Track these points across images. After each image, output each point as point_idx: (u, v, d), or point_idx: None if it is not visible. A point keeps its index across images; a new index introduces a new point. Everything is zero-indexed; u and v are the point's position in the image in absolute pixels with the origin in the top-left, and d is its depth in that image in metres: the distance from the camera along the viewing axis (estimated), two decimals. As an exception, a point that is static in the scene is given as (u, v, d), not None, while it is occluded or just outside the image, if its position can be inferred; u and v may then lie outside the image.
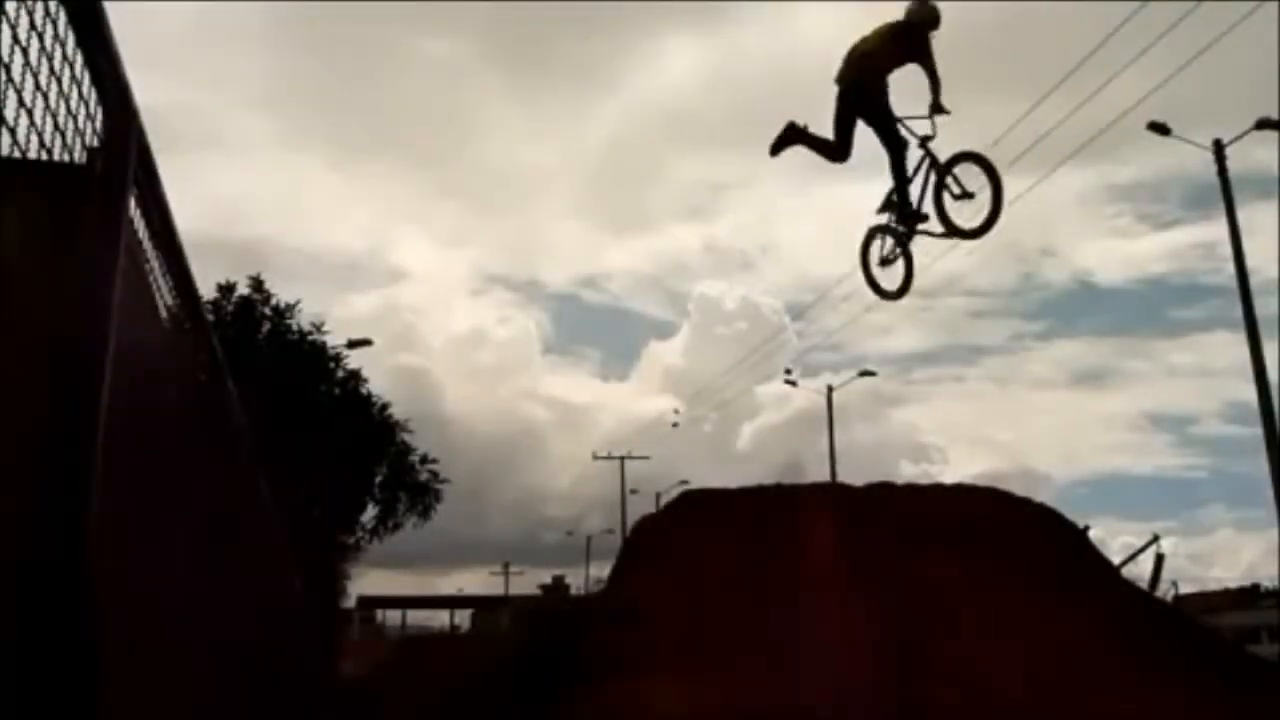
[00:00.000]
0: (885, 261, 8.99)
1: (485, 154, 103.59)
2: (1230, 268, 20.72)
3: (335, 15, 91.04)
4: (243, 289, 17.89)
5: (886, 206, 8.87)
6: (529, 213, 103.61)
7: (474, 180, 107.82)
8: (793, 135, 8.97)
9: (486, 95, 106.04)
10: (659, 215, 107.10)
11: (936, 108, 8.51)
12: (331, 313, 54.13)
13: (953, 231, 8.48)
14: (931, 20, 8.48)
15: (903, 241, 8.84)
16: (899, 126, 8.55)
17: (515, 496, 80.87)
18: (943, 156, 8.46)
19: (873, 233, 9.03)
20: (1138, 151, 54.46)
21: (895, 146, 8.56)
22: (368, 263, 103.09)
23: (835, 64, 8.64)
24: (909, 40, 8.48)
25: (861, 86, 8.49)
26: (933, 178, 8.49)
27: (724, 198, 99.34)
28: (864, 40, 8.61)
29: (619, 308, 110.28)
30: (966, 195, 8.36)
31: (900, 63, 8.56)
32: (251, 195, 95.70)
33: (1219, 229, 22.05)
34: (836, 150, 8.71)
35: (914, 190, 8.62)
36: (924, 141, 8.57)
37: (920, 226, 8.67)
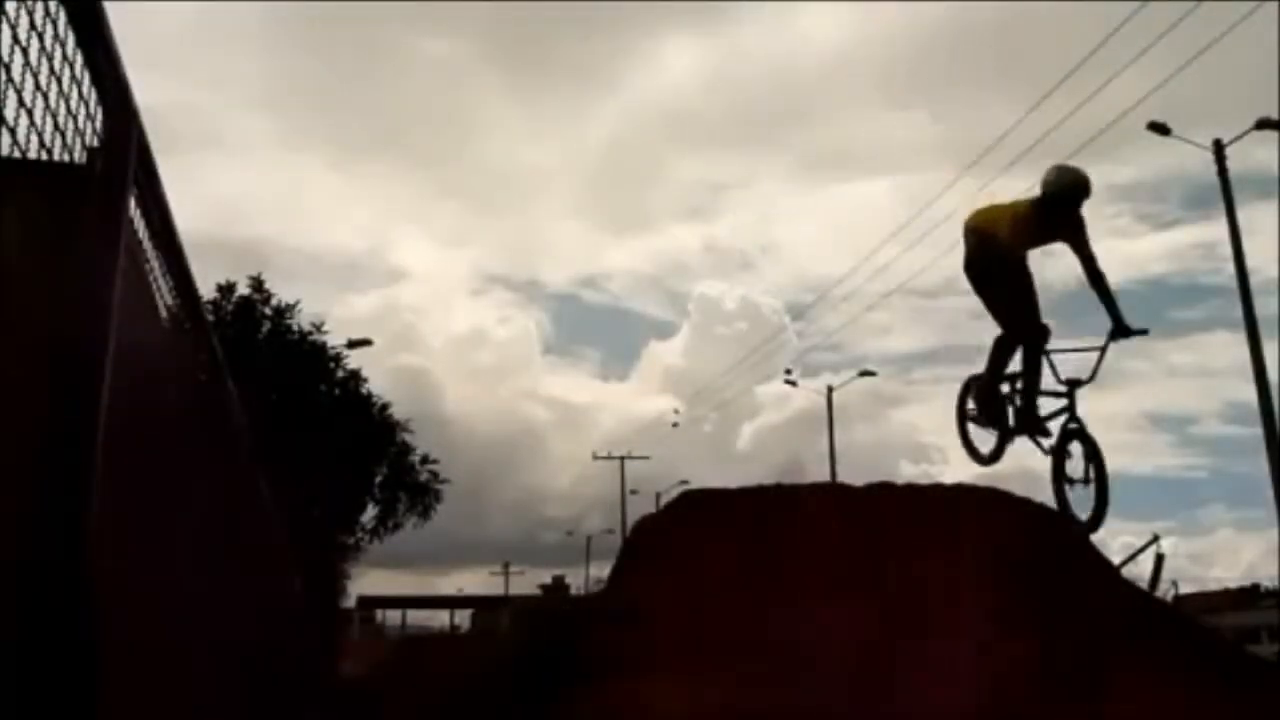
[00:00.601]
0: (979, 423, 7.63)
1: (485, 154, 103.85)
2: (1230, 267, 20.77)
3: (334, 15, 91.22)
4: (243, 289, 17.91)
5: (1010, 381, 7.19)
6: (529, 213, 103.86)
7: (474, 180, 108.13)
8: (989, 397, 7.16)
9: (486, 95, 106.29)
10: (659, 215, 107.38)
11: (1119, 329, 6.70)
12: (331, 313, 54.36)
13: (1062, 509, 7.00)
14: (1078, 190, 6.70)
15: (1003, 434, 7.44)
16: (1037, 310, 6.82)
17: (515, 496, 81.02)
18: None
19: (980, 391, 7.47)
20: (1137, 151, 54.70)
21: (1031, 332, 6.95)
22: (367, 262, 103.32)
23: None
24: (1051, 217, 6.74)
25: (987, 262, 6.90)
26: (1057, 444, 7.01)
27: (724, 198, 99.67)
28: (991, 217, 6.95)
29: (619, 308, 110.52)
30: (1083, 482, 7.10)
31: (1038, 244, 6.95)
32: (251, 195, 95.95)
33: (1218, 229, 22.12)
34: (1014, 333, 7.03)
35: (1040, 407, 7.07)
36: (1072, 388, 6.96)
37: (1031, 440, 7.17)
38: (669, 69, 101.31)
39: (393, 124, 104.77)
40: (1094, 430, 7.04)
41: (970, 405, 7.61)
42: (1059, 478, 7.15)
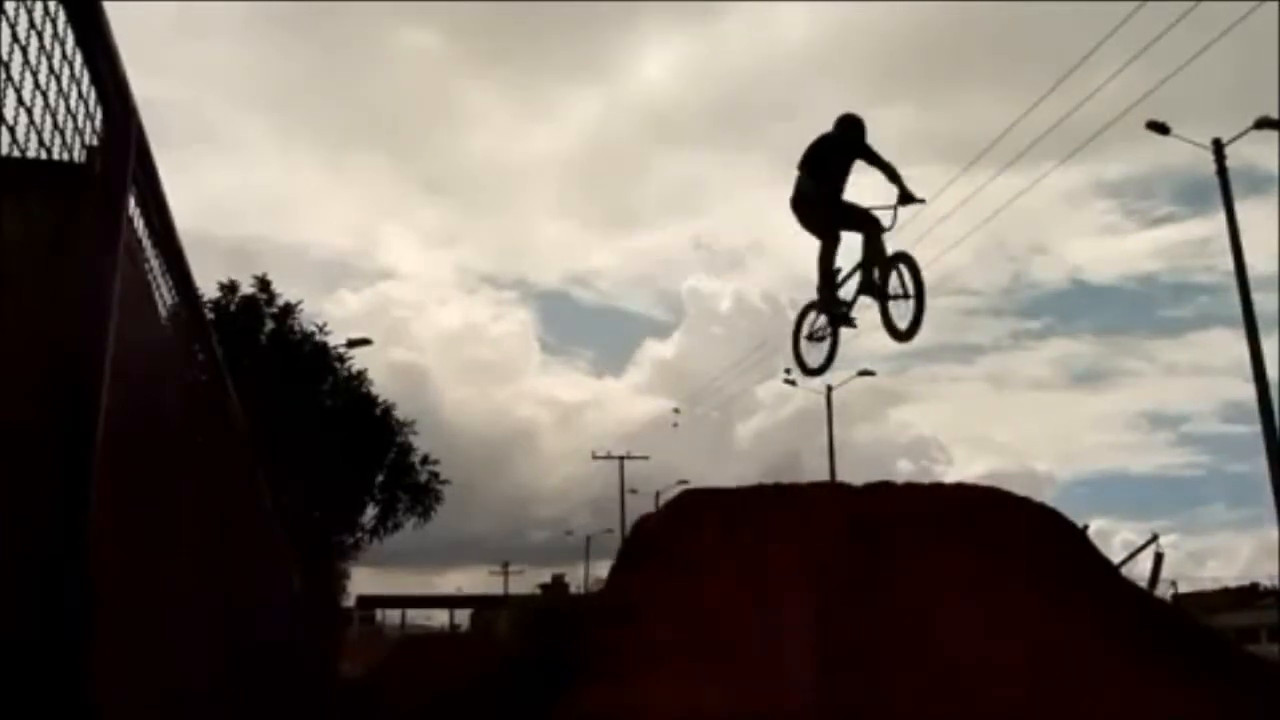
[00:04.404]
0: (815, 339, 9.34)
1: (470, 151, 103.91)
2: (1223, 264, 20.87)
3: (317, 10, 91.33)
4: (246, 288, 17.88)
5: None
6: (518, 211, 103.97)
7: (462, 179, 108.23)
8: None
9: (471, 92, 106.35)
10: (646, 213, 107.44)
11: (905, 196, 8.48)
12: (321, 310, 54.34)
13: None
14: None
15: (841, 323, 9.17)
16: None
17: (513, 495, 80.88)
18: None
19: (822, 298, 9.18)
20: (1124, 148, 54.79)
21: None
22: (355, 261, 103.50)
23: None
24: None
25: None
26: (882, 273, 8.73)
27: (710, 195, 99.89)
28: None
29: (610, 306, 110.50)
30: (904, 296, 8.57)
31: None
32: (239, 192, 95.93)
33: (1208, 224, 22.27)
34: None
35: None
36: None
37: None
38: (651, 65, 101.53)
39: (377, 120, 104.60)
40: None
41: (809, 325, 9.24)
42: (885, 303, 8.62)
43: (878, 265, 8.66)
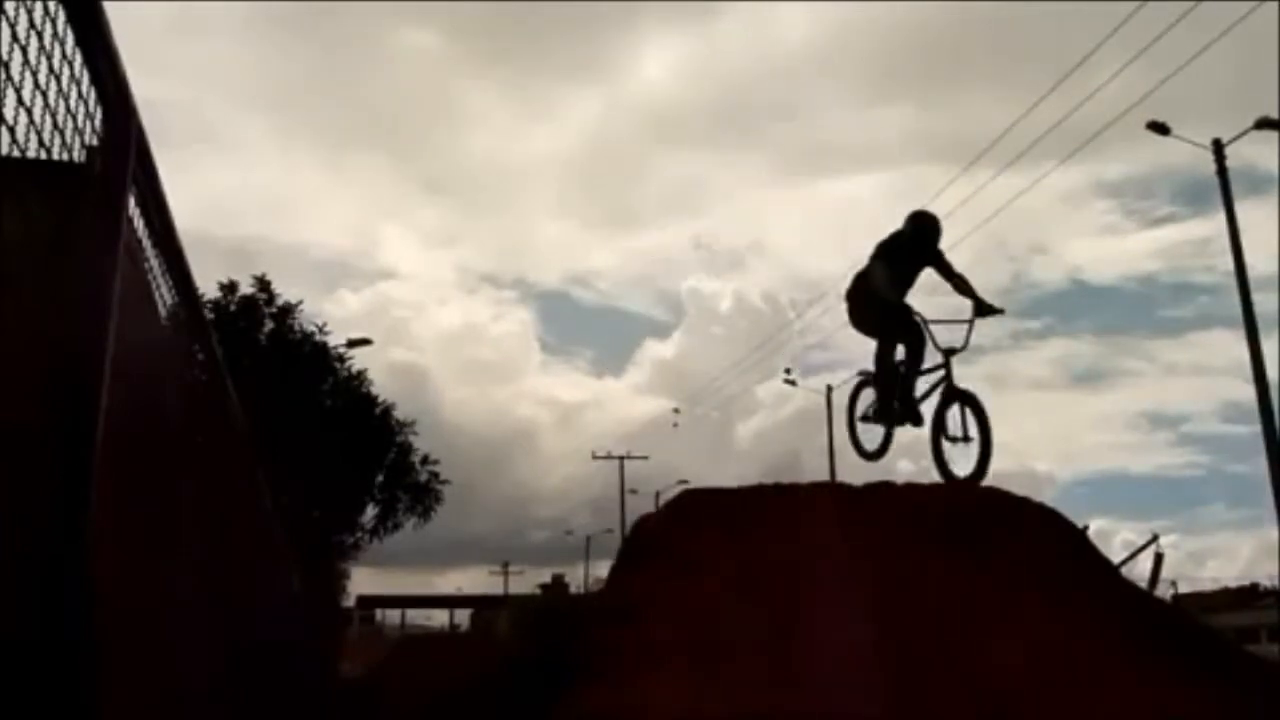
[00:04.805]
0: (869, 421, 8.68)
1: (469, 151, 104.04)
2: (1223, 264, 20.91)
3: (317, 10, 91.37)
4: (246, 288, 17.87)
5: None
6: (518, 211, 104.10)
7: (462, 179, 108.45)
8: None
9: (471, 93, 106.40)
10: (646, 213, 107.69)
11: (981, 307, 7.98)
12: (321, 310, 54.36)
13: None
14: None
15: (890, 427, 8.68)
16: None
17: (513, 495, 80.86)
18: None
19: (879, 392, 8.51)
20: (1124, 148, 55.09)
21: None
22: (355, 261, 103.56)
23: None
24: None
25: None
26: (939, 406, 8.27)
27: (710, 195, 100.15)
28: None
29: (610, 306, 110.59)
30: (964, 439, 8.18)
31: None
32: (238, 192, 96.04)
33: (1208, 225, 22.25)
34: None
35: None
36: (948, 356, 8.02)
37: None
38: (651, 65, 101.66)
39: (377, 120, 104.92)
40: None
41: (862, 403, 8.58)
42: (938, 439, 8.08)
43: (940, 395, 7.94)
